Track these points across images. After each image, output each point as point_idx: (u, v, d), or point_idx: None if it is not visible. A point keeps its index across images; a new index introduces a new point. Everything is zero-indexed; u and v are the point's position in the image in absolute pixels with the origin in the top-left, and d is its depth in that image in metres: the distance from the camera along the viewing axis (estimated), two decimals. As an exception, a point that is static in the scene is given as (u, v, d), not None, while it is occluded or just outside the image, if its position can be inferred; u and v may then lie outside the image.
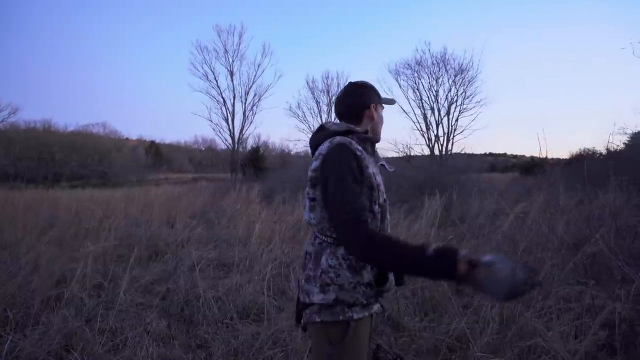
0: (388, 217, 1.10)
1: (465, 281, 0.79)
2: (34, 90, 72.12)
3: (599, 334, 1.83)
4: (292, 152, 26.16)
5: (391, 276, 1.03)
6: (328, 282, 0.99)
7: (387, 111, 1.23)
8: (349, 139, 1.03)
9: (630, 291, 2.07)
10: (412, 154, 20.10)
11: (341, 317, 0.99)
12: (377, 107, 1.18)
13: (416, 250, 0.84)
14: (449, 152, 19.71)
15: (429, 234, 3.90)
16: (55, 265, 2.94)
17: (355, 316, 1.00)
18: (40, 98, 72.20)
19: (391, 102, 1.28)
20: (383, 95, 1.22)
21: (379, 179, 1.08)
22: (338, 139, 1.02)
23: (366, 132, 1.11)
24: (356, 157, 0.99)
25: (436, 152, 19.90)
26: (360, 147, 1.04)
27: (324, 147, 1.03)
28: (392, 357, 1.21)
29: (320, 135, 1.11)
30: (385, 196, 1.08)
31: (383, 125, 1.21)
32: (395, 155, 20.00)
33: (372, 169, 1.04)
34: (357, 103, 1.16)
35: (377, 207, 1.03)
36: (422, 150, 20.43)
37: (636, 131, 8.91)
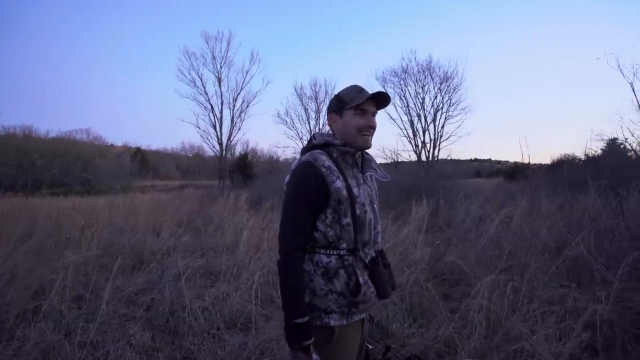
0: (371, 227, 1.08)
1: (291, 347, 0.96)
2: (14, 95, 70.05)
3: (581, 335, 1.88)
4: (280, 159, 25.96)
5: (367, 289, 1.02)
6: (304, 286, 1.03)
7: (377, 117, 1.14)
8: (317, 155, 1.05)
9: (610, 293, 2.13)
10: (399, 160, 20.33)
11: (318, 323, 1.01)
12: (341, 113, 1.11)
13: (289, 306, 0.97)
14: (436, 158, 20.00)
15: (416, 239, 3.93)
16: (33, 276, 2.82)
17: (333, 323, 1.01)
18: (21, 103, 70.25)
19: (358, 97, 1.09)
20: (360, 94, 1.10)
21: (360, 190, 1.06)
22: (305, 156, 1.07)
23: (345, 144, 1.09)
24: (317, 176, 1.01)
25: (423, 158, 20.17)
26: (328, 163, 1.04)
27: (294, 164, 1.10)
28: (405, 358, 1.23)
29: (306, 147, 1.14)
30: (368, 207, 1.07)
31: (357, 130, 1.08)
32: (383, 161, 20.16)
33: (341, 182, 1.03)
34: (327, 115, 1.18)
35: (347, 219, 1.03)
36: (409, 156, 20.67)
37: (612, 138, 9.33)
